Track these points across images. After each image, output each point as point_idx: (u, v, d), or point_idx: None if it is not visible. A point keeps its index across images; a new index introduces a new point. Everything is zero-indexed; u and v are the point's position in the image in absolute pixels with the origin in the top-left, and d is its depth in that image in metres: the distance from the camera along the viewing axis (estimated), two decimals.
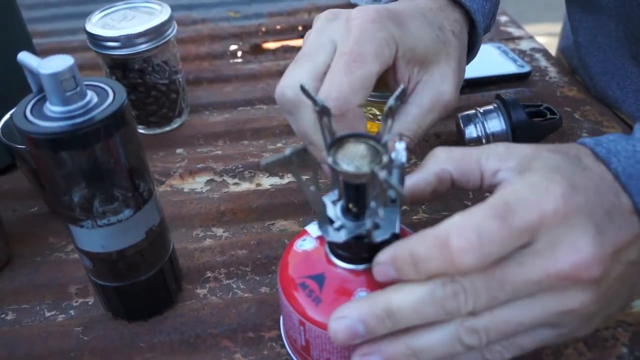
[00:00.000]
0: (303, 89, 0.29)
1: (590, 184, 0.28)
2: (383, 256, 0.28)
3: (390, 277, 0.28)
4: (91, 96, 0.30)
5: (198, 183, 0.51)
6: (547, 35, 1.75)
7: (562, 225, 0.26)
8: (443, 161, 0.31)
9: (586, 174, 0.28)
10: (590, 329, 0.29)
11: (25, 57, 0.30)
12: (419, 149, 0.51)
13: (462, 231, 0.25)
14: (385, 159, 0.27)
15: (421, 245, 0.26)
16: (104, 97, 0.30)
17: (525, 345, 0.28)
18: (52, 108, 0.29)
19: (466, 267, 0.25)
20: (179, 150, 0.55)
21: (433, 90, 0.39)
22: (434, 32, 0.39)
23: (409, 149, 0.38)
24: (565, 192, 0.26)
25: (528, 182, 0.27)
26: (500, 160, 0.30)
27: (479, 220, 0.26)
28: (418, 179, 0.31)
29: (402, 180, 0.29)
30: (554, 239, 0.26)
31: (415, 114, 0.38)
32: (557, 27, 0.86)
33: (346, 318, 0.27)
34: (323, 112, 0.29)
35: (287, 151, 0.26)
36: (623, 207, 0.28)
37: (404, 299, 0.27)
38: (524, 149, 0.30)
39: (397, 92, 0.29)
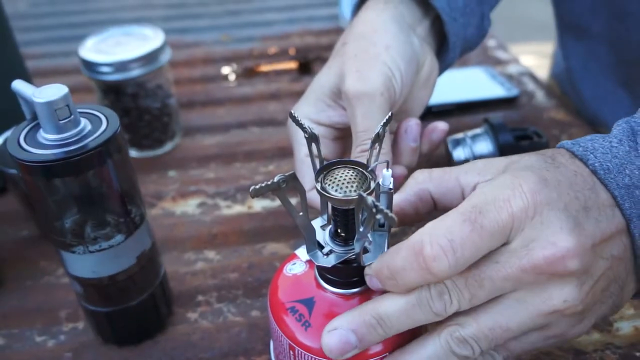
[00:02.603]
0: (292, 116, 0.30)
1: (563, 179, 0.28)
2: (369, 269, 0.29)
3: (380, 288, 0.29)
4: (84, 124, 0.30)
5: (190, 206, 0.51)
6: (537, 55, 1.78)
7: (535, 221, 0.26)
8: (422, 181, 0.32)
9: (559, 170, 0.28)
10: (583, 329, 0.29)
11: (19, 86, 0.31)
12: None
13: (433, 239, 0.26)
14: (372, 184, 0.28)
15: (396, 257, 0.27)
16: (97, 124, 0.31)
17: (518, 351, 0.29)
18: (46, 136, 0.30)
19: (442, 273, 0.26)
20: (171, 173, 0.56)
21: (344, 98, 0.39)
22: (326, 68, 0.42)
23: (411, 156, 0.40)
24: (534, 187, 0.27)
25: (497, 183, 0.28)
26: (479, 174, 0.30)
27: (449, 226, 0.26)
28: (398, 201, 0.32)
29: (390, 206, 0.30)
30: (529, 235, 0.26)
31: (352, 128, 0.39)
32: (546, 48, 0.88)
33: (338, 329, 0.27)
34: (312, 139, 0.29)
35: (276, 178, 0.26)
36: (601, 201, 0.28)
37: (393, 304, 0.27)
38: (501, 161, 0.31)
39: (384, 120, 0.30)
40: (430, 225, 0.27)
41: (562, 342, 0.29)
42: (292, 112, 0.30)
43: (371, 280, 0.29)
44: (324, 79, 0.41)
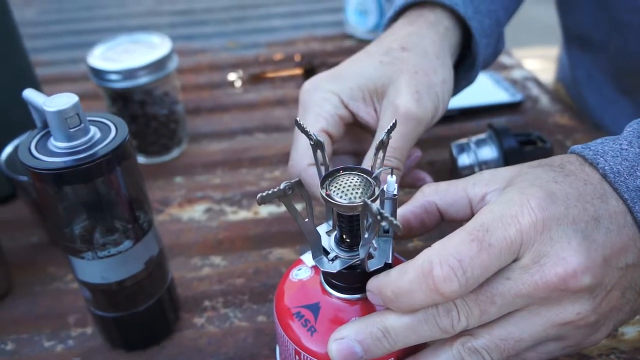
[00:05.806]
0: (297, 123, 0.30)
1: (571, 191, 0.27)
2: (372, 285, 0.29)
3: (381, 304, 0.29)
4: (94, 132, 0.31)
5: (196, 212, 0.52)
6: (541, 59, 1.78)
7: (543, 236, 0.26)
8: (429, 194, 0.32)
9: (568, 181, 0.28)
10: (599, 337, 0.28)
11: (30, 94, 0.31)
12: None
13: (443, 259, 0.26)
14: (377, 191, 0.28)
15: (402, 279, 0.27)
16: (106, 132, 0.31)
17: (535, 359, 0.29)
18: (56, 144, 0.30)
19: (453, 294, 0.26)
20: (177, 179, 0.56)
21: (389, 107, 0.39)
22: (375, 61, 0.40)
23: (400, 178, 0.39)
24: (541, 203, 0.26)
25: (504, 199, 0.28)
26: (486, 185, 0.31)
27: (457, 245, 0.26)
28: (404, 212, 0.32)
29: (394, 212, 0.30)
30: (539, 251, 0.26)
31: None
32: (551, 51, 0.88)
33: (344, 339, 0.28)
34: (317, 146, 0.30)
35: (282, 185, 0.27)
36: (612, 210, 0.27)
37: (399, 318, 0.27)
38: (507, 171, 0.31)
39: (388, 127, 0.30)
40: (437, 245, 0.27)
41: (580, 350, 0.29)
42: (298, 119, 0.30)
43: (373, 297, 0.29)
44: (371, 72, 0.40)
